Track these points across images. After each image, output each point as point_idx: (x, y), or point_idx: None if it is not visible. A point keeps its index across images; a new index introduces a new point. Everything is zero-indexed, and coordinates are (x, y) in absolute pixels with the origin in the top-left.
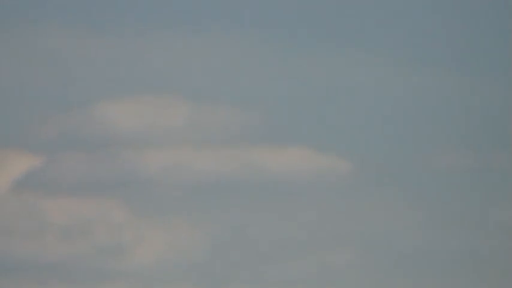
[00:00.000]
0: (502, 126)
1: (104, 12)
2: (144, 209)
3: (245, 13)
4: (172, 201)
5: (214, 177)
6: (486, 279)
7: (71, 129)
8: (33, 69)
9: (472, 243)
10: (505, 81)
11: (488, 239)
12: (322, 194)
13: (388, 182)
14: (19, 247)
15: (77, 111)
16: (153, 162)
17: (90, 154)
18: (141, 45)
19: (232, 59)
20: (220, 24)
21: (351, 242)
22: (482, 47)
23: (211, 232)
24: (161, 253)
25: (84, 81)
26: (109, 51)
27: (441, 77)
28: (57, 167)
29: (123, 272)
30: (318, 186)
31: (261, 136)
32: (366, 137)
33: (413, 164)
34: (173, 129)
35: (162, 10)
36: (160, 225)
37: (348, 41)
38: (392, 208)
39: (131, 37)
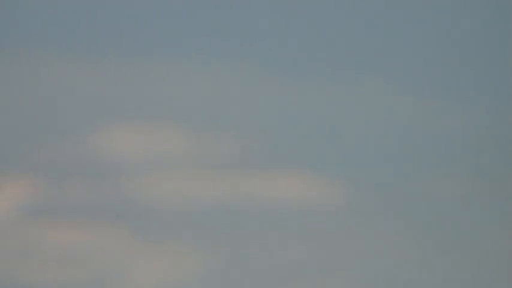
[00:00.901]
0: (505, 152)
1: (99, 40)
2: (144, 236)
3: (243, 39)
4: (172, 228)
5: (213, 204)
6: None
7: (69, 156)
8: (28, 95)
9: (477, 274)
10: (508, 108)
11: (494, 271)
12: (320, 221)
13: (388, 210)
14: (17, 275)
15: (76, 137)
16: (153, 190)
17: (89, 181)
18: (140, 73)
19: (229, 85)
20: (217, 51)
21: (348, 272)
22: (483, 74)
23: (211, 259)
24: (162, 280)
25: (84, 107)
26: (106, 78)
27: (442, 103)
28: (56, 194)
29: None
30: (315, 212)
31: (259, 163)
32: (364, 164)
33: (413, 192)
34: (172, 157)
35: (159, 37)
36: (161, 252)
37: (347, 67)
38: (392, 238)
39: (127, 63)
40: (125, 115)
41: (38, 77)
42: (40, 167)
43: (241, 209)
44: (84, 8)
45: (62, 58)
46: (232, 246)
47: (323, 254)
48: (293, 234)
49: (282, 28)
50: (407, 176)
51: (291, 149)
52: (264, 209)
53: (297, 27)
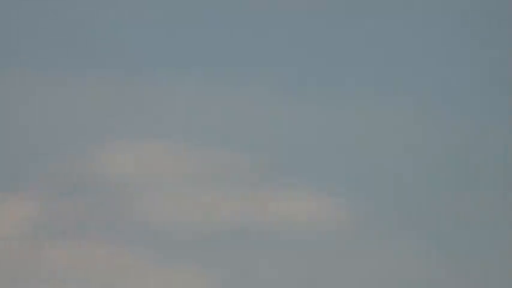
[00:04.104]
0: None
1: (103, 61)
2: (145, 254)
3: (247, 56)
4: (174, 246)
5: (215, 222)
6: None
7: (65, 174)
8: (30, 113)
9: None
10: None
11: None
12: (323, 239)
13: (394, 229)
14: None
15: (74, 155)
16: (152, 205)
17: (90, 200)
18: (141, 91)
19: (233, 102)
20: (221, 68)
21: None
22: (496, 92)
23: (213, 278)
24: None
25: (83, 126)
26: (107, 96)
27: (450, 121)
28: (55, 212)
29: None
30: (317, 230)
31: (262, 181)
32: (370, 183)
33: (419, 211)
34: (168, 174)
35: (160, 55)
36: (162, 270)
37: (350, 89)
38: (397, 256)
39: (129, 81)
40: (128, 134)
41: (41, 96)
42: (41, 186)
43: (247, 228)
44: (88, 30)
45: (63, 78)
46: (239, 264)
47: (329, 271)
48: (300, 253)
49: (288, 51)
50: (414, 196)
51: (296, 169)
52: (270, 228)
53: (302, 50)
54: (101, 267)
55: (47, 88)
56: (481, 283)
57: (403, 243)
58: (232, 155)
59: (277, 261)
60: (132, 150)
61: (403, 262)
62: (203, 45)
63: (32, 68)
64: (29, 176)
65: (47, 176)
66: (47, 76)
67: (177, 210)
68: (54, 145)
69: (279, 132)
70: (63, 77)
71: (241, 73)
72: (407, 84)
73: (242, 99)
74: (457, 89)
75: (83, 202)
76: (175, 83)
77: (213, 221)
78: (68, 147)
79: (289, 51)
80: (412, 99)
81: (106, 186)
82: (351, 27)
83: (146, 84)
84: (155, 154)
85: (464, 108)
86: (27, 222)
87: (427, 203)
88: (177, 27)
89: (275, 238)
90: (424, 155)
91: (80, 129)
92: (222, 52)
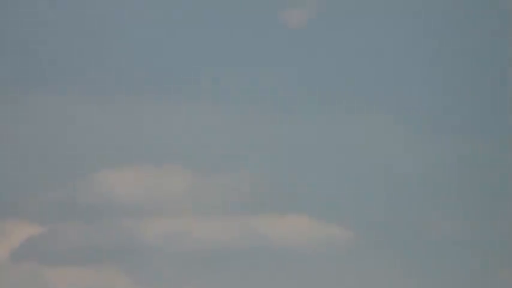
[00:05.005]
0: (504, 195)
1: (104, 82)
2: (144, 277)
3: (243, 82)
4: (173, 269)
5: (213, 245)
6: None
7: (71, 197)
8: (32, 137)
9: None
10: (507, 151)
11: None
12: (322, 262)
13: (389, 251)
14: None
15: (77, 179)
16: (153, 231)
17: (90, 223)
18: (141, 115)
19: (231, 129)
20: (219, 94)
21: None
22: (485, 115)
23: None
24: None
25: (84, 149)
26: (109, 121)
27: (442, 145)
28: (57, 235)
29: None
30: (318, 255)
31: (260, 205)
32: (366, 206)
33: (414, 233)
34: (173, 198)
35: (162, 80)
36: None
37: (348, 108)
38: (394, 279)
39: (131, 107)
40: (129, 159)
41: (42, 119)
42: (43, 210)
43: (245, 251)
44: (91, 52)
45: (65, 101)
46: (233, 286)
47: None
48: (297, 274)
49: (289, 76)
50: (409, 218)
51: (294, 192)
52: (268, 251)
53: (302, 75)
54: None
55: (48, 114)
56: None
57: (397, 266)
58: (233, 179)
59: (277, 283)
60: (133, 175)
61: (397, 284)
62: (203, 71)
63: (32, 94)
64: (29, 201)
65: (49, 202)
66: (46, 102)
67: (176, 233)
68: (55, 171)
69: (278, 157)
70: (64, 103)
71: (239, 99)
72: (405, 105)
73: (242, 125)
74: (450, 116)
75: (84, 227)
76: (175, 110)
77: (215, 244)
78: (68, 173)
79: (287, 76)
80: (412, 127)
81: (107, 211)
82: (344, 45)
83: (146, 111)
84: (156, 178)
85: (456, 130)
86: (29, 246)
87: (422, 227)
88: (176, 57)
89: (274, 261)
90: (421, 182)
91: (81, 155)
92: (221, 78)
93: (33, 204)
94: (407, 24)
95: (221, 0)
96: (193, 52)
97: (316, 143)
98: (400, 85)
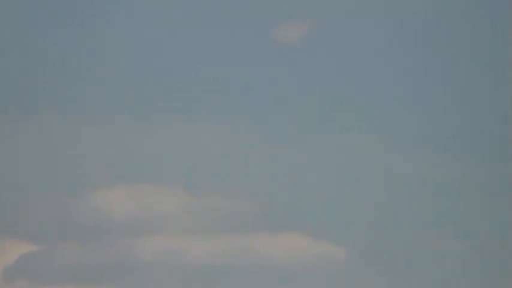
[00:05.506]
0: (499, 212)
1: (99, 102)
2: None
3: (240, 102)
4: (169, 287)
5: (208, 263)
6: None
7: (68, 216)
8: (30, 156)
9: None
10: (504, 169)
11: None
12: (318, 280)
13: (382, 268)
14: None
15: (71, 198)
16: (149, 249)
17: (87, 241)
18: (136, 134)
19: (226, 148)
20: (215, 114)
21: None
22: (480, 134)
23: None
24: None
25: (79, 169)
26: (104, 140)
27: (437, 162)
28: (54, 254)
29: None
30: (313, 272)
31: (255, 223)
32: (358, 223)
33: (408, 250)
34: (168, 217)
35: (157, 100)
36: None
37: (343, 125)
38: None
39: (126, 126)
40: (128, 179)
41: (38, 139)
42: (37, 228)
43: (240, 269)
44: (92, 76)
45: (62, 120)
46: None
47: None
48: None
49: (283, 98)
50: (403, 235)
51: (290, 212)
52: (262, 269)
53: (297, 98)
54: None
55: (45, 134)
56: None
57: (391, 286)
58: (231, 200)
59: None
60: (129, 194)
61: None
62: (198, 91)
63: (31, 114)
64: (23, 220)
65: (46, 220)
66: (45, 122)
67: (171, 251)
68: (52, 190)
69: (274, 176)
70: (61, 123)
71: (234, 119)
72: (395, 123)
73: (236, 145)
74: (443, 130)
75: (81, 245)
76: (171, 129)
77: (210, 262)
78: (65, 192)
79: (280, 96)
80: (408, 139)
81: (104, 229)
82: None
83: (142, 131)
84: (152, 197)
85: (450, 152)
86: (25, 265)
87: (418, 247)
88: (177, 79)
89: (268, 279)
90: (418, 201)
91: (77, 174)
92: (220, 101)
93: (30, 223)
94: (397, 43)
95: (212, 19)
96: (187, 72)
97: (308, 162)
98: (390, 103)
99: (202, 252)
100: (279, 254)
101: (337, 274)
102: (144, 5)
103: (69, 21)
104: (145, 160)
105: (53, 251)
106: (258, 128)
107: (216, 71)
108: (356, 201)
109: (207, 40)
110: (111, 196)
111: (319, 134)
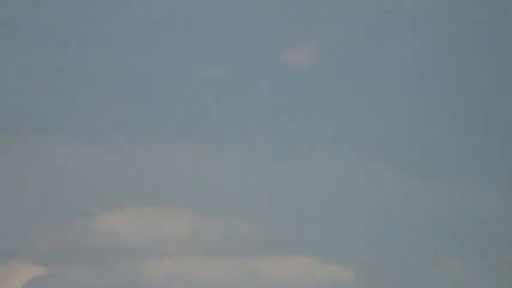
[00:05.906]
0: (502, 235)
1: (106, 125)
2: None
3: (246, 124)
4: None
5: (215, 286)
6: None
7: (73, 240)
8: (35, 180)
9: None
10: (505, 194)
11: None
12: None
13: None
14: None
15: (79, 222)
16: (156, 272)
17: (93, 265)
18: (142, 157)
19: (233, 170)
20: (221, 136)
21: None
22: (481, 157)
23: None
24: None
25: (86, 192)
26: (109, 163)
27: (441, 186)
28: (60, 278)
29: None
30: None
31: (263, 246)
32: (366, 246)
33: (417, 274)
34: (174, 239)
35: (163, 123)
36: None
37: (347, 149)
38: None
39: (132, 149)
40: (131, 201)
41: (44, 162)
42: (45, 252)
43: None
44: (96, 97)
45: (67, 143)
46: None
47: None
48: None
49: (289, 120)
50: (410, 258)
51: (295, 233)
52: None
53: (301, 118)
54: None
55: (49, 157)
56: None
57: None
58: (234, 220)
59: None
60: (136, 217)
61: None
62: (203, 112)
63: (33, 137)
64: (31, 244)
65: (51, 244)
66: (48, 145)
67: (177, 274)
68: (57, 213)
69: (281, 199)
70: (66, 146)
71: (240, 140)
72: (398, 148)
73: (242, 167)
74: (444, 155)
75: (86, 269)
76: (177, 151)
77: (216, 285)
78: (71, 216)
79: (287, 119)
80: (413, 163)
81: (110, 252)
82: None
83: (147, 152)
84: (158, 220)
85: (456, 178)
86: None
87: (424, 267)
88: (177, 99)
89: None
90: (423, 222)
91: (83, 197)
92: (222, 119)
93: (37, 247)
94: (402, 69)
95: (218, 43)
96: (191, 92)
97: (316, 185)
98: (399, 132)
99: (211, 275)
100: (284, 276)
101: None
102: (145, 36)
103: (67, 38)
104: (151, 182)
105: (60, 275)
106: (264, 150)
107: (218, 91)
108: (362, 224)
109: (211, 60)
110: (116, 219)
111: (327, 153)
